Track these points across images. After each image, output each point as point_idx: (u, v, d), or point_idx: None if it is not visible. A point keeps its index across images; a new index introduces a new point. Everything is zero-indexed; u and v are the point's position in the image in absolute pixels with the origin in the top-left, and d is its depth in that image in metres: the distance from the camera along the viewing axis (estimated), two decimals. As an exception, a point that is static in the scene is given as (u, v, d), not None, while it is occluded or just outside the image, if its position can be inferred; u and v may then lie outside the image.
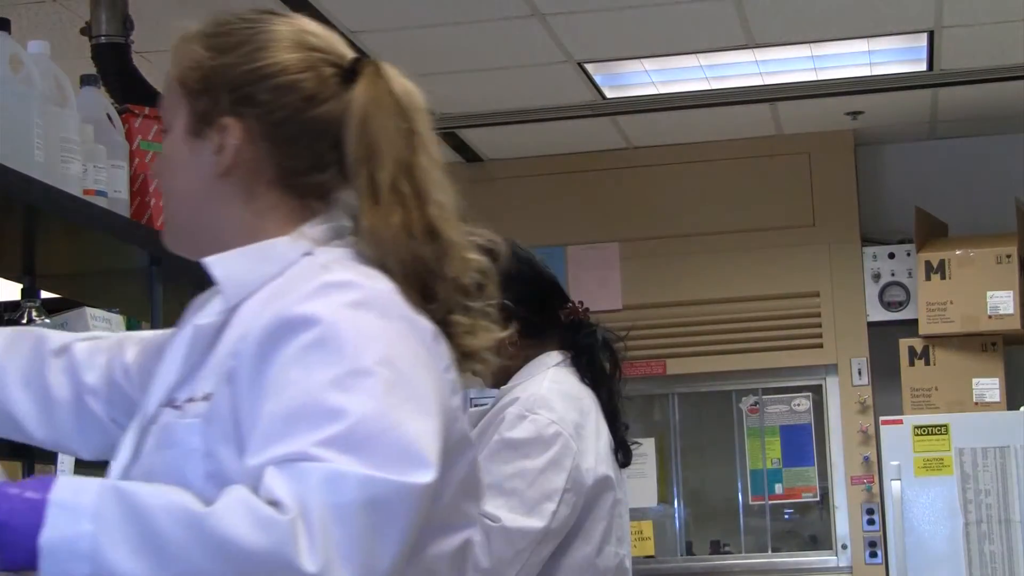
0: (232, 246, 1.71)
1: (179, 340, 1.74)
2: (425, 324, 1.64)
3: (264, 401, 1.54)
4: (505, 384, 2.94)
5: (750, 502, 7.54)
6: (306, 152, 1.72)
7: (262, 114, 1.72)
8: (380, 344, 1.56)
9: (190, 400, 1.63)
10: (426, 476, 1.50)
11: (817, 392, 7.52)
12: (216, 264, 1.72)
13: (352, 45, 6.34)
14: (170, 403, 1.66)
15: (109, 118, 3.50)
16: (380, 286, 1.63)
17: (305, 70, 1.73)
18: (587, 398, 2.91)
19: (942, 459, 6.63)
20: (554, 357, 2.95)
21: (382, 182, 1.68)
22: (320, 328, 1.55)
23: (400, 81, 1.76)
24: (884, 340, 7.28)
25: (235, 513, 1.44)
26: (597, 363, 2.96)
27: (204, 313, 1.74)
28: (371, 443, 1.48)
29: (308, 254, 1.68)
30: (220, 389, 1.60)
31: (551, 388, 2.86)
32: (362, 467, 1.46)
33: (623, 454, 2.95)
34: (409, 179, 1.70)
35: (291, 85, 1.72)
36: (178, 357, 1.71)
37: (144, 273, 3.60)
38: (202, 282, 3.84)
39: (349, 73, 1.75)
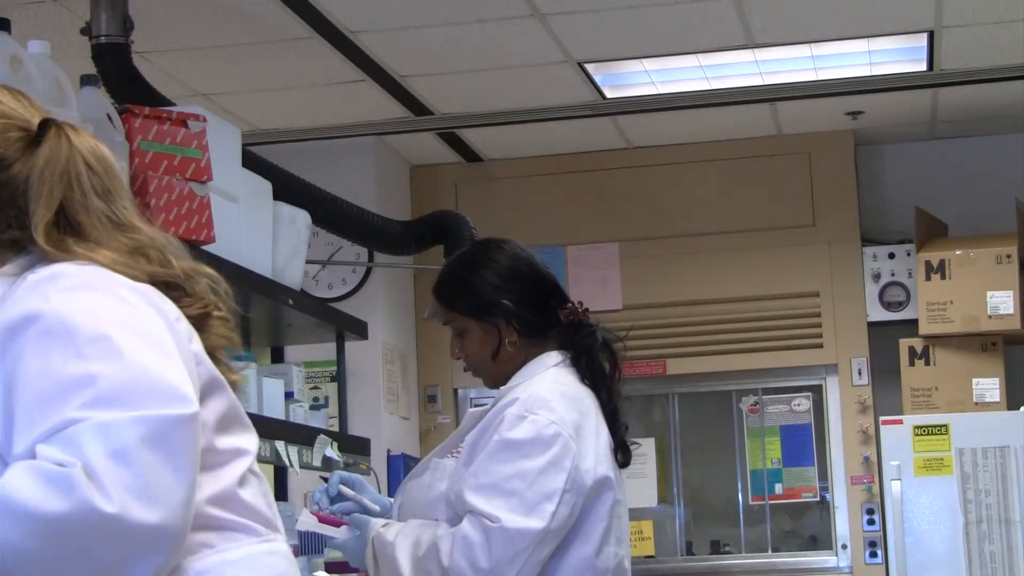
0: None
1: None
2: (144, 285, 1.72)
3: (14, 401, 1.59)
4: (505, 384, 2.94)
5: (750, 502, 7.54)
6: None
7: None
8: (105, 311, 1.63)
9: None
10: (189, 407, 1.59)
11: (817, 392, 7.52)
12: None
13: (352, 45, 6.29)
14: None
15: (109, 118, 3.49)
16: (89, 268, 1.69)
17: None
18: (587, 398, 2.91)
19: (942, 459, 6.63)
20: (554, 357, 2.95)
21: (79, 215, 1.75)
22: (42, 320, 1.61)
23: (85, 139, 1.81)
24: (884, 340, 7.28)
25: (22, 479, 1.49)
26: (597, 363, 2.96)
27: None
28: (128, 391, 1.56)
29: (12, 283, 1.72)
30: None
31: (551, 388, 2.86)
32: (128, 411, 1.54)
33: (623, 454, 2.95)
34: (125, 211, 1.79)
35: None
36: None
37: (144, 273, 3.59)
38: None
39: (36, 137, 1.79)
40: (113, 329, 1.62)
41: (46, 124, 1.81)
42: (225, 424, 1.76)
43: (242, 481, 1.75)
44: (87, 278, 1.68)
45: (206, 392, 1.72)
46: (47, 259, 1.72)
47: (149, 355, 1.61)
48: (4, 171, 1.76)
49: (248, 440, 1.81)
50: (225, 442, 1.75)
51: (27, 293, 1.66)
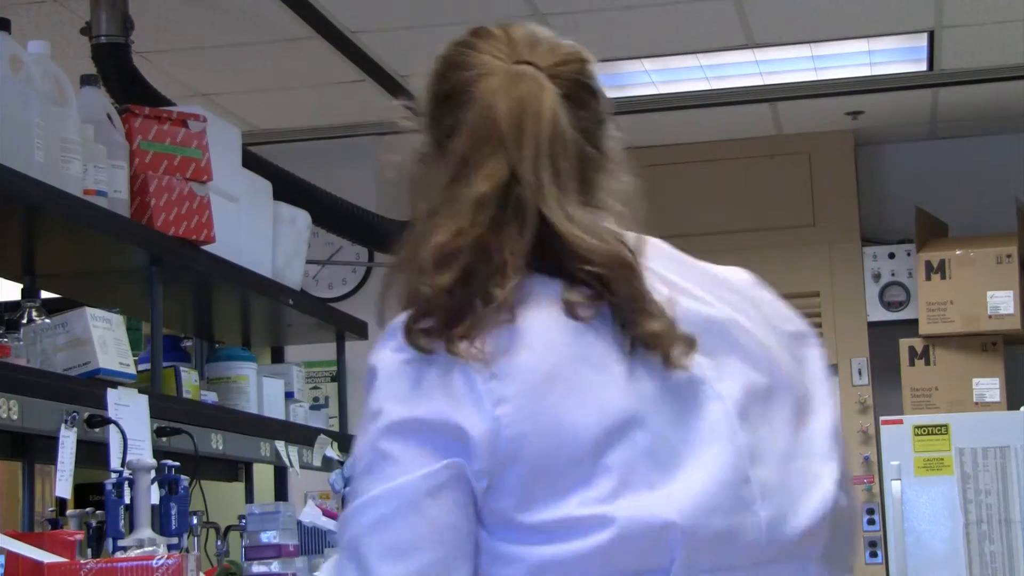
0: None
1: None
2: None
3: None
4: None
5: (750, 502, 7.53)
6: None
7: None
8: None
9: None
10: None
11: (817, 392, 7.51)
12: None
13: (352, 45, 6.27)
14: None
15: (109, 118, 3.50)
16: None
17: None
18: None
19: (942, 459, 6.63)
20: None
21: None
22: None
23: None
24: (884, 340, 7.28)
25: None
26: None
27: None
28: None
29: None
30: None
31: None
32: None
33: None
34: None
35: None
36: None
37: (144, 273, 3.60)
38: (204, 283, 3.84)
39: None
40: None
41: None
42: None
43: None
44: None
45: None
46: None
47: None
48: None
49: None
50: None
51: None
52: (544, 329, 1.46)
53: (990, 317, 6.92)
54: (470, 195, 1.49)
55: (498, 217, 1.48)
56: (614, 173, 1.67)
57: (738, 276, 1.65)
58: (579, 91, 1.57)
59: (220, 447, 3.82)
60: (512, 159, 1.50)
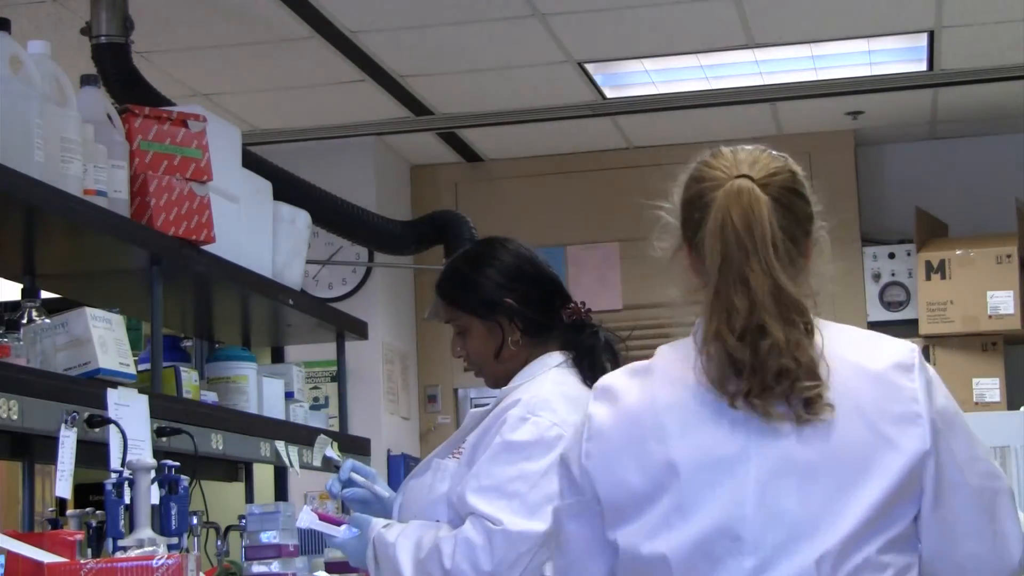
0: None
1: None
2: None
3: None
4: (506, 384, 2.93)
5: (750, 502, 7.53)
6: None
7: None
8: None
9: None
10: None
11: (817, 392, 7.51)
12: None
13: (352, 45, 6.28)
14: None
15: (109, 118, 3.50)
16: None
17: None
18: (588, 400, 2.89)
19: (942, 459, 6.62)
20: (555, 358, 2.94)
21: None
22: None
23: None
24: (884, 340, 7.27)
25: None
26: (599, 364, 2.94)
27: None
28: None
29: None
30: None
31: (553, 390, 2.85)
32: None
33: (624, 455, 2.94)
34: None
35: None
36: None
37: (144, 273, 3.60)
38: (204, 283, 3.83)
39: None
40: None
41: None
42: None
43: None
44: None
45: None
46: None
47: None
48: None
49: None
50: None
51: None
52: (639, 404, 2.01)
53: (990, 317, 6.92)
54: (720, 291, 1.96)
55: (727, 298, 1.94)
56: (814, 261, 2.03)
57: (881, 358, 1.93)
58: (787, 196, 1.98)
59: (220, 447, 3.82)
60: (741, 254, 1.94)
